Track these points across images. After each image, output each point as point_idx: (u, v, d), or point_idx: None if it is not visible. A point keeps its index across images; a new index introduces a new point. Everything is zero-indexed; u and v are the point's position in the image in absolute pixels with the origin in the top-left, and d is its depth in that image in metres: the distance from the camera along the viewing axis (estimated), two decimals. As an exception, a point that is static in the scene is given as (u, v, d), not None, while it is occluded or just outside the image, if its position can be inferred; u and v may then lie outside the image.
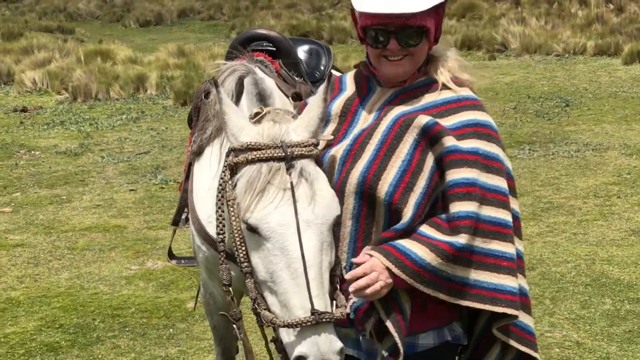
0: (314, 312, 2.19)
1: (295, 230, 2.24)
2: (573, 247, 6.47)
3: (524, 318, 2.59)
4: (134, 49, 18.85)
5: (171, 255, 3.91)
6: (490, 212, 2.42)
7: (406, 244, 2.39)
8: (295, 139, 2.37)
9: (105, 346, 5.11)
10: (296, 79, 3.47)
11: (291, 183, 2.28)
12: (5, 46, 18.61)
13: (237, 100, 2.74)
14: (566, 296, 5.58)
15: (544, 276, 5.92)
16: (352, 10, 2.59)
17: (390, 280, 2.37)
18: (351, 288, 2.34)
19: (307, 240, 2.25)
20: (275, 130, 2.37)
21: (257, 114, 2.49)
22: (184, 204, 3.41)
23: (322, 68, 3.89)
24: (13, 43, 19.12)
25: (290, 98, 3.19)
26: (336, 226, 2.42)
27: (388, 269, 2.36)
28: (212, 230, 2.91)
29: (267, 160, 2.31)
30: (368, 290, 2.35)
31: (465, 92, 2.56)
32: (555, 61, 16.07)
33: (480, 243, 2.42)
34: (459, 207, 2.39)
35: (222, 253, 2.47)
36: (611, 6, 20.54)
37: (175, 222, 3.65)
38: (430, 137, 2.44)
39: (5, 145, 11.00)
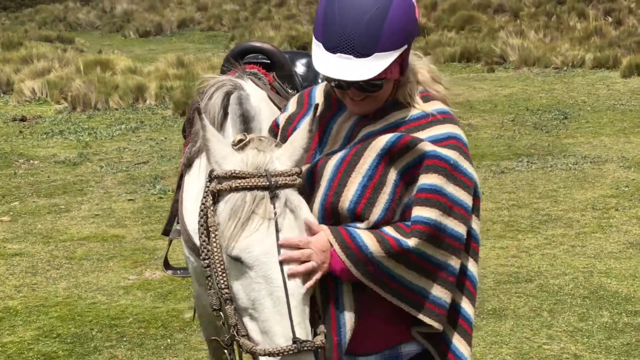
0: (295, 340, 2.21)
1: (278, 259, 2.26)
2: (571, 260, 6.48)
3: (464, 349, 2.52)
4: (133, 59, 18.87)
5: (167, 266, 3.92)
6: (455, 226, 2.40)
7: (358, 231, 2.38)
8: (279, 168, 2.37)
9: (102, 356, 5.10)
10: (289, 91, 3.49)
11: (275, 213, 2.29)
12: (4, 55, 18.62)
13: (224, 116, 2.73)
14: (564, 308, 5.58)
15: (541, 288, 5.92)
16: None
17: (325, 265, 2.34)
18: (280, 257, 2.28)
19: (290, 269, 2.28)
20: (260, 159, 2.37)
21: (240, 140, 2.48)
22: (175, 213, 3.43)
23: (319, 81, 3.90)
24: (12, 52, 19.13)
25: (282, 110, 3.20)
26: None
27: (332, 253, 2.34)
28: (198, 240, 2.93)
29: (251, 189, 2.31)
30: (300, 267, 2.30)
31: (435, 106, 2.50)
32: (553, 74, 16.10)
33: (439, 255, 2.39)
34: (418, 212, 2.36)
35: (208, 278, 2.46)
36: (610, 19, 20.60)
37: (166, 232, 3.66)
38: (396, 151, 2.40)
39: (4, 154, 11.00)
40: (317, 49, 2.41)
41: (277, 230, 2.28)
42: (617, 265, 6.33)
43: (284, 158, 2.41)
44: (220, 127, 2.73)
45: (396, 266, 2.36)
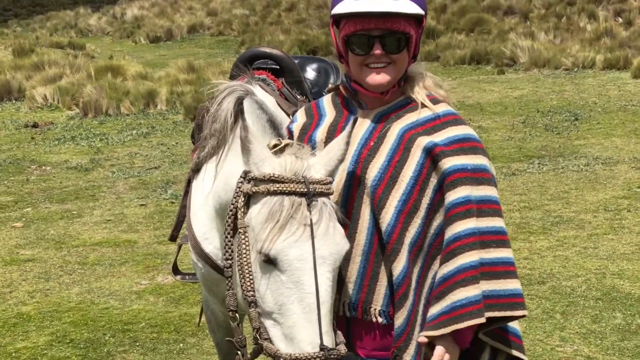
0: (323, 347, 2.22)
1: (312, 266, 2.28)
2: (583, 261, 6.46)
3: (515, 325, 2.64)
4: (144, 64, 18.95)
5: (176, 271, 3.92)
6: (488, 222, 2.50)
7: (436, 308, 2.46)
8: (316, 176, 2.41)
9: (115, 361, 5.12)
10: (298, 97, 3.48)
11: (311, 220, 2.31)
12: (16, 62, 18.74)
13: (234, 120, 2.73)
14: (577, 310, 5.56)
15: (554, 290, 5.91)
16: (332, 25, 2.62)
17: (457, 350, 2.47)
18: None
19: (321, 276, 2.29)
20: (298, 165, 2.40)
21: (275, 145, 2.51)
22: (182, 219, 3.43)
23: (330, 86, 3.90)
24: (24, 59, 19.25)
25: (291, 116, 3.21)
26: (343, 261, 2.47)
27: (452, 338, 2.44)
28: (206, 246, 2.96)
29: (289, 194, 2.34)
30: None
31: (443, 108, 2.61)
32: (564, 75, 16.07)
33: (486, 254, 2.48)
34: (461, 227, 2.46)
35: (229, 279, 2.47)
36: (620, 20, 20.54)
37: (173, 238, 3.66)
38: (432, 159, 2.50)
39: (17, 160, 11.06)
40: (343, 3, 2.50)
41: (313, 237, 2.30)
42: (630, 266, 6.31)
43: (319, 166, 2.44)
44: (230, 131, 2.73)
45: (484, 284, 2.46)
